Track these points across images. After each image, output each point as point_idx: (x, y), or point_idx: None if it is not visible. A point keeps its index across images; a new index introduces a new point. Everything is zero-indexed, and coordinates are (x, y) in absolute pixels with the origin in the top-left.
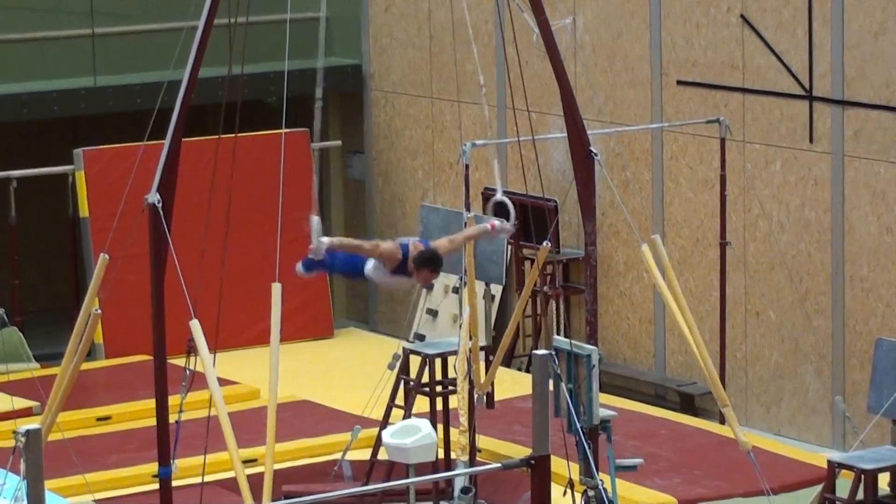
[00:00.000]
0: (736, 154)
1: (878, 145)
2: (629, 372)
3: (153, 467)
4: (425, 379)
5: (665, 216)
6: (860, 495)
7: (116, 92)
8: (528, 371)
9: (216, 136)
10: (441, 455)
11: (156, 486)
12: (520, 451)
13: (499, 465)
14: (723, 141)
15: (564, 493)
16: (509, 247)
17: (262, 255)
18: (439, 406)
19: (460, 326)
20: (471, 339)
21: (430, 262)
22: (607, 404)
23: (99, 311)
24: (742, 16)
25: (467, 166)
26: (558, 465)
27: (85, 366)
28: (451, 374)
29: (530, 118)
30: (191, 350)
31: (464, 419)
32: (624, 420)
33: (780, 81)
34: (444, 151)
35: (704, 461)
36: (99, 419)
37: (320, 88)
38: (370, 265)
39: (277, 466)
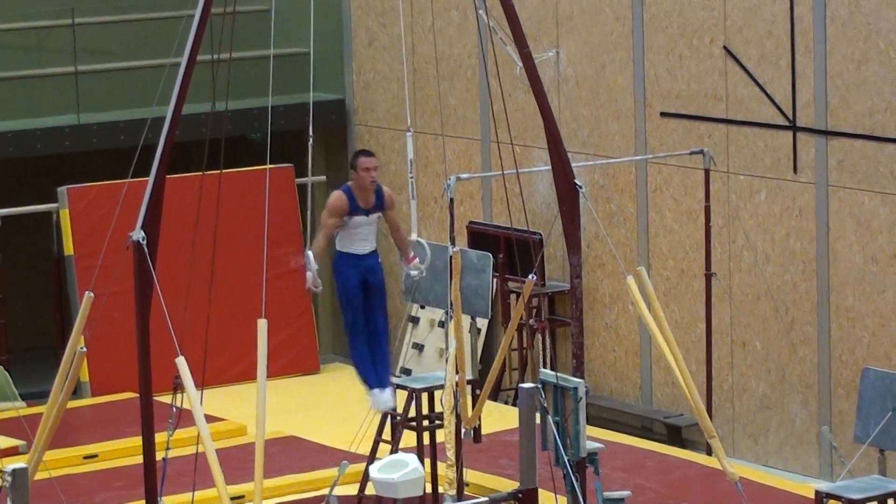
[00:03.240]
0: (720, 185)
1: (861, 175)
2: (616, 404)
3: None
4: (412, 413)
5: (650, 248)
6: None
7: (100, 129)
8: (514, 404)
9: (200, 173)
10: (429, 489)
11: None
12: (507, 485)
13: (486, 499)
14: (707, 172)
15: None
16: (495, 280)
17: (248, 291)
18: (426, 440)
19: (446, 360)
20: (457, 372)
21: (359, 153)
22: (594, 437)
23: (84, 348)
24: (725, 47)
25: (452, 200)
26: (546, 498)
27: (71, 404)
28: (437, 409)
29: (514, 151)
30: (177, 387)
31: (451, 453)
32: (611, 452)
33: (764, 112)
34: (429, 185)
35: (692, 493)
36: (86, 457)
37: (310, 126)
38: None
39: (265, 503)
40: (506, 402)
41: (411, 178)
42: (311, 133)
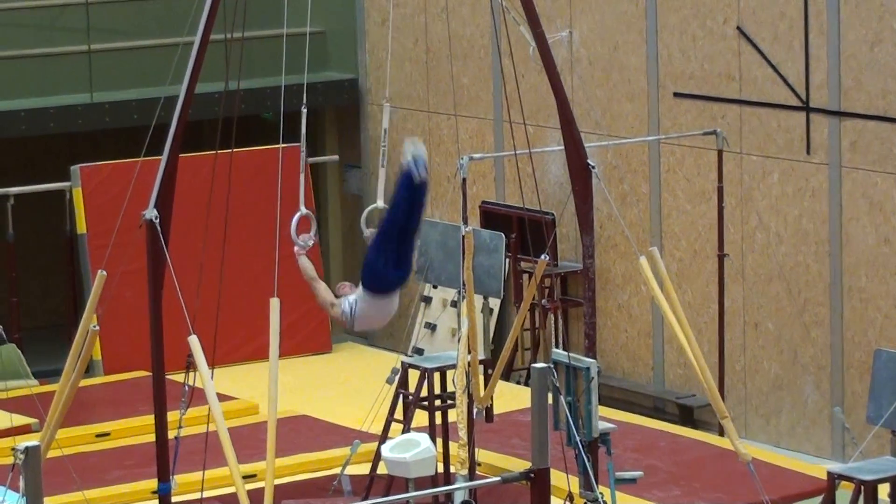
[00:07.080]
0: (733, 166)
1: (875, 156)
2: (628, 384)
3: (153, 483)
4: (424, 393)
5: (663, 228)
6: None
7: (113, 108)
8: (527, 384)
9: (213, 152)
10: (440, 469)
11: (155, 502)
12: (519, 465)
13: (498, 478)
14: (720, 153)
15: None
16: (507, 260)
17: (261, 270)
18: (438, 420)
19: (459, 340)
20: (469, 352)
21: None
22: (606, 417)
23: (97, 327)
24: (738, 28)
25: (464, 180)
26: (558, 478)
27: (83, 382)
28: (449, 388)
29: (527, 131)
30: (189, 366)
31: (463, 433)
32: (623, 433)
33: (777, 93)
34: (442, 165)
35: (704, 473)
36: (98, 435)
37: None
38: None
39: (277, 481)
40: (518, 382)
41: (383, 146)
42: (304, 102)
